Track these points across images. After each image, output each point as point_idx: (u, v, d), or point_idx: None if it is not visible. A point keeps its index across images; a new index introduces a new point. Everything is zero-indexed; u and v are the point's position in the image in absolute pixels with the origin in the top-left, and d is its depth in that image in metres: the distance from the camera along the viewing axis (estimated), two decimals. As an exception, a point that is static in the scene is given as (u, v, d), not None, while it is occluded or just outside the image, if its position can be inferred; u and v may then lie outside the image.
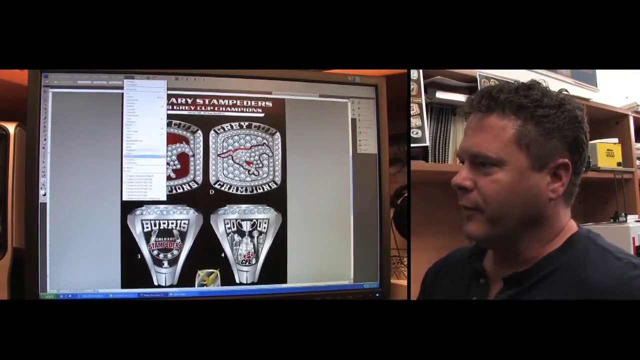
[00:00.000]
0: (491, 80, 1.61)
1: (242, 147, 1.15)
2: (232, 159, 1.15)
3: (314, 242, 1.18)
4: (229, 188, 1.14)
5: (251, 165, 1.16)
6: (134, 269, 1.08)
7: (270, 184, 1.16)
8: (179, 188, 1.11)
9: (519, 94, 0.82)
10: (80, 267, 1.06)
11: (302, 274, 1.17)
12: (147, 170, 1.10)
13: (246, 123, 1.16)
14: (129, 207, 1.09)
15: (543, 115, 0.81)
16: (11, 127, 1.09)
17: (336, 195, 1.20)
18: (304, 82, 1.20)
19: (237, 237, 1.14)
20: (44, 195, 1.05)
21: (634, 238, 1.78)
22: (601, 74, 2.22)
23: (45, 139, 1.06)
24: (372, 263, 1.21)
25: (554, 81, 1.90)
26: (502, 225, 0.83)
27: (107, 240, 1.07)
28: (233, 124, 1.15)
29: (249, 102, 1.16)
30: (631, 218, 1.95)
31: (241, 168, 1.15)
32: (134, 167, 1.09)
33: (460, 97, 1.60)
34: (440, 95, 1.55)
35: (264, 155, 1.16)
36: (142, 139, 1.10)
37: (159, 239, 1.10)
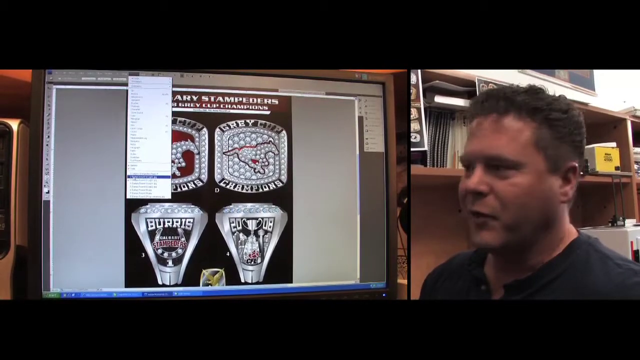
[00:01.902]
0: (490, 84, 1.61)
1: (247, 145, 1.14)
2: (238, 157, 1.14)
3: (319, 242, 1.17)
4: (235, 186, 1.13)
5: (257, 163, 1.15)
6: (138, 267, 1.07)
7: (276, 182, 1.15)
8: (183, 186, 1.10)
9: (532, 96, 0.82)
10: (83, 265, 1.05)
11: (307, 274, 1.16)
12: (151, 168, 1.09)
13: (252, 121, 1.15)
14: (133, 205, 1.07)
15: (556, 119, 0.81)
16: (14, 124, 1.07)
17: (342, 194, 1.19)
18: (311, 80, 1.19)
19: (242, 236, 1.13)
20: (47, 192, 1.04)
21: (632, 242, 1.78)
22: (599, 79, 2.25)
23: (48, 136, 1.05)
24: (379, 263, 1.20)
25: (552, 85, 1.91)
26: (519, 231, 0.80)
27: (111, 239, 1.06)
28: (239, 121, 1.14)
29: (255, 100, 1.16)
30: (629, 222, 1.96)
31: (247, 166, 1.14)
32: (138, 165, 1.08)
33: (458, 102, 1.60)
34: (439, 99, 1.56)
35: (270, 153, 1.15)
36: (146, 136, 1.09)
37: (164, 237, 1.09)
